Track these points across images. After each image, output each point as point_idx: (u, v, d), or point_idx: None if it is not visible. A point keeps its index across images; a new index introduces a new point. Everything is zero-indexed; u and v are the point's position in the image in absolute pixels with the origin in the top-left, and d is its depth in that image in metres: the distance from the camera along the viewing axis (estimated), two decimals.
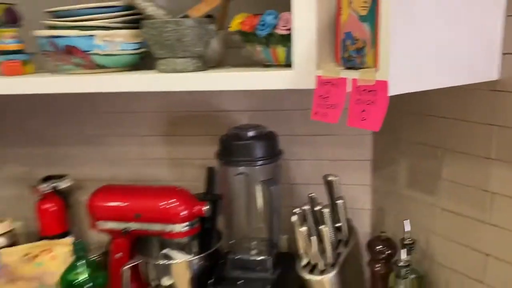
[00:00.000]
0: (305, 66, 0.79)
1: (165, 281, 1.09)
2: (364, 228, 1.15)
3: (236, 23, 0.89)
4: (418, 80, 0.69)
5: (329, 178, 1.00)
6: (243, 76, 0.83)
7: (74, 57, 0.93)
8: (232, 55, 1.05)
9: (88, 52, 0.92)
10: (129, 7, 0.93)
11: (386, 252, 0.94)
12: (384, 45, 0.65)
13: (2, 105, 1.32)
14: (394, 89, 0.66)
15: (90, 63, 0.94)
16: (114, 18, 0.92)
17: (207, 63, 0.94)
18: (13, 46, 1.00)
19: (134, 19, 0.93)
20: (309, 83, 0.79)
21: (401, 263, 0.87)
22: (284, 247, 1.17)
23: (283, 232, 1.15)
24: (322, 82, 0.77)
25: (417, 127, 1.01)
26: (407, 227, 0.95)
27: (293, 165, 1.18)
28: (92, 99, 1.24)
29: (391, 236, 1.03)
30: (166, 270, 1.08)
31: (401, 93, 0.67)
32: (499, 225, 0.87)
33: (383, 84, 0.67)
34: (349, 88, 0.73)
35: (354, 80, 0.72)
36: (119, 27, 0.92)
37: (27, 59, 1.03)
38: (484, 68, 0.80)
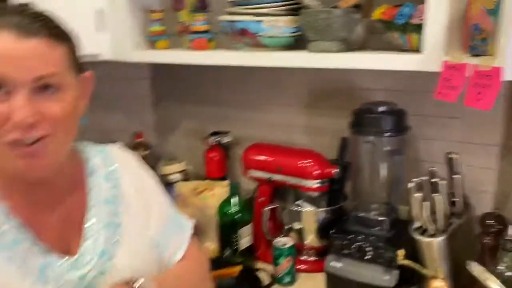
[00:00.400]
0: (434, 51, 0.91)
1: (296, 225, 1.32)
2: (482, 209, 1.21)
3: (378, 12, 1.04)
4: None
5: (450, 156, 1.09)
6: (378, 57, 0.99)
7: (245, 37, 1.19)
8: (374, 40, 1.20)
9: (257, 34, 1.17)
10: None
11: (496, 227, 1.01)
12: (504, 36, 0.76)
13: (187, 72, 1.68)
14: (508, 75, 0.76)
15: (257, 43, 1.19)
16: (279, 7, 1.15)
17: (350, 46, 1.12)
18: (202, 27, 1.32)
19: (294, 8, 1.15)
20: (436, 67, 0.91)
21: (508, 237, 0.95)
22: (404, 216, 1.29)
23: (405, 203, 1.28)
24: (448, 67, 0.89)
25: None
26: None
27: (421, 144, 1.29)
28: (254, 72, 1.51)
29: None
30: (298, 216, 1.32)
31: None
32: None
33: (497, 70, 0.77)
34: (469, 73, 0.84)
35: (475, 66, 0.83)
36: (282, 14, 1.16)
37: (211, 38, 1.33)
38: None
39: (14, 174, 0.70)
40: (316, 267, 1.31)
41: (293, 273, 1.27)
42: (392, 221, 1.18)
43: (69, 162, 0.79)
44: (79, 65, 0.74)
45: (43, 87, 0.66)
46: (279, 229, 1.38)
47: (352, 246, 1.16)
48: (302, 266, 1.34)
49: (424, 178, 1.07)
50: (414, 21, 0.97)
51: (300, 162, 1.31)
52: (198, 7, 1.38)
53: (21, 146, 0.66)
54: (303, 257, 1.36)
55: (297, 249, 1.34)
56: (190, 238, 0.91)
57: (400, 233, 1.15)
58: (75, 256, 0.75)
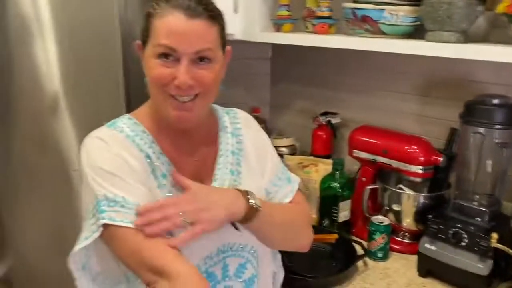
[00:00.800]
0: None
1: (395, 207, 1.39)
2: None
3: (503, 6, 1.06)
4: None
5: None
6: (497, 50, 1.02)
7: (366, 24, 1.28)
8: (497, 34, 1.21)
9: (378, 21, 1.25)
10: None
11: None
12: None
13: (305, 55, 1.81)
14: None
15: (376, 30, 1.27)
16: None
17: (469, 38, 1.15)
18: (326, 13, 1.43)
19: None
20: None
21: None
22: (507, 212, 1.29)
23: (510, 200, 1.27)
24: None
25: None
26: None
27: None
28: (370, 58, 1.58)
29: None
30: (398, 199, 1.38)
31: None
32: None
33: None
34: None
35: None
36: (404, 4, 1.22)
37: (333, 23, 1.44)
38: None
39: (167, 120, 0.86)
40: (410, 249, 1.38)
41: (386, 251, 1.35)
42: (493, 213, 1.19)
43: (207, 119, 0.96)
44: (225, 41, 0.89)
45: (200, 58, 0.82)
46: (378, 208, 1.46)
47: (449, 232, 1.20)
48: (397, 246, 1.41)
49: None
50: None
51: (407, 147, 1.37)
52: None
53: (177, 100, 0.83)
54: (398, 238, 1.43)
55: (393, 230, 1.41)
56: (297, 190, 1.03)
57: (500, 226, 1.16)
58: None
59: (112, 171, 0.80)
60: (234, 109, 1.05)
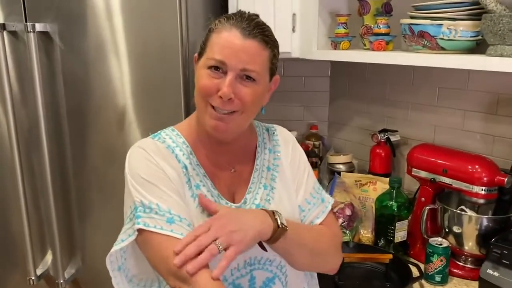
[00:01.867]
0: None
1: (456, 229, 1.33)
2: None
3: None
4: None
5: None
6: None
7: (424, 39, 1.25)
8: None
9: (436, 37, 1.22)
10: (473, 3, 1.17)
11: None
12: None
13: (363, 72, 1.80)
14: None
15: (435, 45, 1.24)
16: (460, 11, 1.18)
17: None
18: (383, 30, 1.42)
19: (476, 13, 1.16)
20: None
21: None
22: None
23: None
24: None
25: None
26: None
27: None
28: (431, 75, 1.54)
29: None
30: (459, 221, 1.32)
31: None
32: None
33: None
34: None
35: None
36: (463, 19, 1.18)
37: (390, 39, 1.42)
38: None
39: (205, 129, 0.90)
40: (472, 275, 1.30)
41: (444, 274, 1.29)
42: None
43: (246, 135, 0.99)
44: (274, 68, 0.93)
45: (245, 76, 0.86)
46: (437, 230, 1.40)
47: None
48: (458, 271, 1.34)
49: None
50: None
51: (469, 166, 1.31)
52: (383, 11, 1.49)
53: (217, 111, 0.87)
54: (460, 263, 1.36)
55: (454, 253, 1.35)
56: (330, 211, 1.03)
57: None
58: (239, 203, 0.94)
59: (149, 179, 0.85)
60: (275, 125, 1.08)
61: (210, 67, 0.86)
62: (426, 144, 1.48)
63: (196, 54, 0.93)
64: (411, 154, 1.47)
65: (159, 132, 0.96)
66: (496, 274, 1.16)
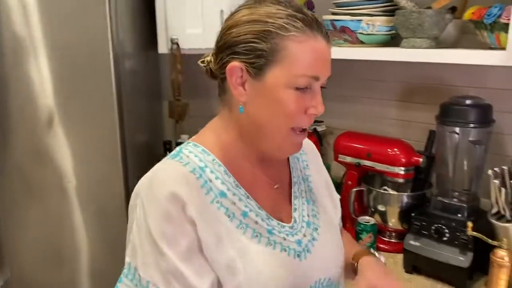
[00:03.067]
0: None
1: (380, 208, 1.45)
2: None
3: (468, 13, 1.14)
4: None
5: None
6: (463, 53, 1.10)
7: (345, 34, 1.36)
8: (468, 40, 1.29)
9: (356, 32, 1.33)
10: (388, 0, 1.29)
11: None
12: None
13: None
14: None
15: (355, 40, 1.35)
16: (377, 8, 1.30)
17: (441, 44, 1.23)
18: None
19: (391, 9, 1.29)
20: None
21: None
22: (486, 207, 1.35)
23: (488, 196, 1.34)
24: None
25: None
26: None
27: (507, 138, 1.34)
28: (352, 67, 1.66)
29: None
30: (382, 200, 1.44)
31: None
32: None
33: None
34: None
35: None
36: (379, 15, 1.30)
37: None
38: None
39: (277, 153, 0.78)
40: (396, 248, 1.43)
41: (374, 249, 1.40)
42: (472, 209, 1.25)
43: None
44: None
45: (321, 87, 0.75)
46: (364, 210, 1.52)
47: (431, 228, 1.26)
48: (384, 246, 1.46)
49: (504, 167, 1.14)
50: (503, 20, 1.06)
51: (389, 150, 1.44)
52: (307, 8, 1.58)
53: (300, 133, 0.75)
54: (385, 238, 1.48)
55: (380, 230, 1.47)
56: None
57: (479, 219, 1.22)
58: (290, 224, 0.81)
59: (156, 236, 0.69)
60: None
61: (301, 88, 0.71)
62: (350, 132, 1.60)
63: (236, 64, 0.71)
64: (337, 142, 1.58)
65: (179, 149, 0.78)
66: (417, 244, 1.29)
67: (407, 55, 1.20)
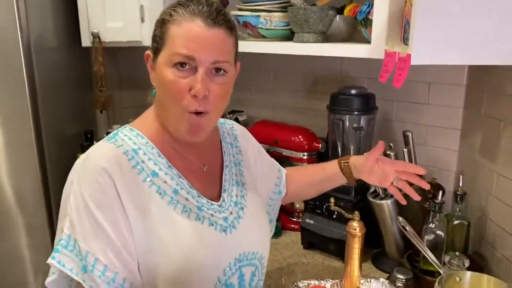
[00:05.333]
0: (379, 42, 1.11)
1: None
2: (447, 187, 1.36)
3: (347, 10, 1.26)
4: (436, 56, 0.95)
5: (406, 133, 1.28)
6: (337, 46, 1.21)
7: (247, 29, 1.45)
8: (358, 35, 1.40)
9: (256, 26, 1.43)
10: None
11: (432, 193, 1.19)
12: (412, 30, 0.95)
13: None
14: (415, 60, 0.95)
15: (257, 34, 1.45)
16: (273, 4, 1.40)
17: (331, 38, 1.34)
18: None
19: (286, 6, 1.39)
20: (381, 55, 1.11)
21: (437, 201, 1.13)
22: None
23: None
24: (386, 54, 1.09)
25: (489, 102, 1.19)
26: (461, 181, 1.18)
27: (395, 125, 1.47)
28: (263, 60, 1.76)
29: (461, 193, 1.24)
30: None
31: (421, 64, 0.95)
32: None
33: (409, 57, 0.97)
34: (397, 59, 1.04)
35: (399, 53, 1.02)
36: (276, 10, 1.40)
37: None
38: None
39: (177, 134, 0.83)
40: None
41: (277, 229, 1.51)
42: (359, 189, 1.37)
43: (212, 130, 0.90)
44: (237, 55, 0.87)
45: (215, 69, 0.79)
46: None
47: (323, 207, 1.38)
48: (293, 226, 1.58)
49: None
50: (370, 17, 1.17)
51: (293, 137, 1.55)
52: (220, 4, 1.67)
53: (193, 116, 0.79)
54: (294, 218, 1.60)
55: (288, 211, 1.58)
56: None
57: (363, 198, 1.35)
58: (219, 202, 0.88)
59: (92, 206, 0.75)
60: (228, 120, 1.08)
61: (175, 64, 0.77)
62: (263, 121, 1.71)
63: (148, 52, 0.83)
64: (251, 130, 1.65)
65: (115, 132, 0.84)
66: (312, 222, 1.41)
67: (297, 49, 1.31)
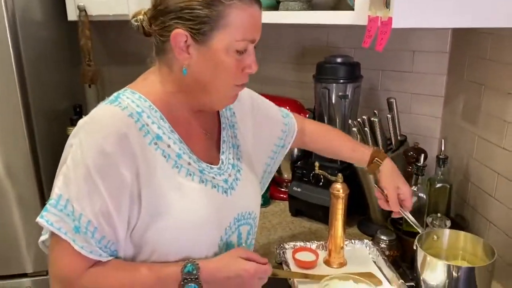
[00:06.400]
0: (362, 8, 1.12)
1: None
2: (431, 153, 1.39)
3: None
4: (416, 19, 0.97)
5: (390, 100, 1.30)
6: (322, 14, 1.22)
7: None
8: (345, 4, 1.41)
9: None
10: None
11: (415, 157, 1.22)
12: None
13: None
14: (397, 23, 0.97)
15: None
16: None
17: (317, 7, 1.34)
18: None
19: None
20: (364, 21, 1.12)
21: (420, 164, 1.16)
22: None
23: None
24: (369, 19, 1.10)
25: (471, 68, 1.22)
26: (443, 145, 1.21)
27: (381, 94, 1.49)
28: None
29: (443, 157, 1.26)
30: None
31: (402, 27, 0.97)
32: (510, 150, 1.06)
33: (390, 20, 0.98)
34: (379, 23, 1.05)
35: (381, 18, 1.04)
36: None
37: None
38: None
39: (217, 106, 0.88)
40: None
41: (266, 198, 1.54)
42: None
43: None
44: None
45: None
46: None
47: (310, 175, 1.41)
48: (282, 195, 1.60)
49: (364, 117, 1.28)
50: None
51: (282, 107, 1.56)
52: None
53: (239, 87, 0.84)
54: (282, 189, 1.63)
55: (277, 182, 1.61)
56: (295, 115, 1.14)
57: (349, 165, 1.37)
58: (218, 165, 0.90)
59: (92, 171, 0.74)
60: None
61: (239, 50, 0.78)
62: None
63: (180, 31, 0.77)
64: None
65: (116, 95, 0.81)
66: (299, 189, 1.44)
67: (282, 17, 1.31)
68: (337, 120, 1.40)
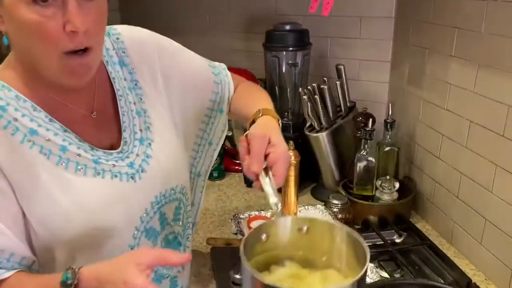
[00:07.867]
0: None
1: (227, 132, 1.56)
2: (379, 118, 1.41)
3: None
4: None
5: (338, 66, 1.31)
6: None
7: None
8: None
9: None
10: None
11: (364, 122, 1.24)
12: None
13: (152, 2, 1.89)
14: None
15: None
16: None
17: None
18: None
19: None
20: None
21: (368, 129, 1.18)
22: None
23: None
24: None
25: (416, 32, 1.24)
26: (390, 110, 1.23)
27: (330, 62, 1.50)
28: (199, 2, 1.71)
29: (390, 121, 1.29)
30: (229, 126, 1.54)
31: None
32: (453, 111, 1.10)
33: None
34: None
35: None
36: None
37: None
38: None
39: (60, 81, 0.68)
40: None
41: (220, 170, 1.54)
42: (296, 126, 1.40)
43: None
44: None
45: None
46: None
47: None
48: (237, 167, 1.60)
49: (314, 84, 1.29)
50: None
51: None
52: None
53: (75, 56, 0.65)
54: (237, 161, 1.62)
55: (231, 154, 1.60)
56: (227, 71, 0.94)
57: (301, 134, 1.38)
58: (119, 148, 0.75)
59: None
60: (114, 26, 0.81)
61: (38, 1, 0.60)
62: None
63: None
64: None
65: None
66: None
67: None
68: (288, 89, 1.40)
